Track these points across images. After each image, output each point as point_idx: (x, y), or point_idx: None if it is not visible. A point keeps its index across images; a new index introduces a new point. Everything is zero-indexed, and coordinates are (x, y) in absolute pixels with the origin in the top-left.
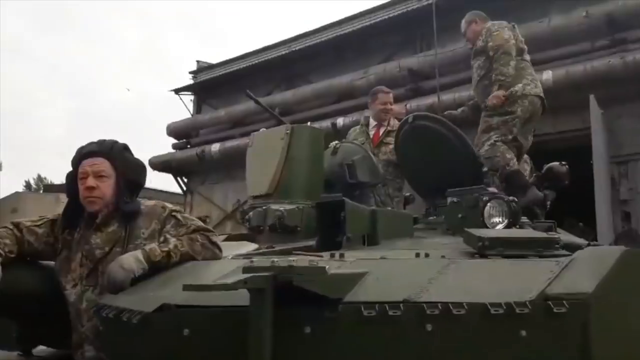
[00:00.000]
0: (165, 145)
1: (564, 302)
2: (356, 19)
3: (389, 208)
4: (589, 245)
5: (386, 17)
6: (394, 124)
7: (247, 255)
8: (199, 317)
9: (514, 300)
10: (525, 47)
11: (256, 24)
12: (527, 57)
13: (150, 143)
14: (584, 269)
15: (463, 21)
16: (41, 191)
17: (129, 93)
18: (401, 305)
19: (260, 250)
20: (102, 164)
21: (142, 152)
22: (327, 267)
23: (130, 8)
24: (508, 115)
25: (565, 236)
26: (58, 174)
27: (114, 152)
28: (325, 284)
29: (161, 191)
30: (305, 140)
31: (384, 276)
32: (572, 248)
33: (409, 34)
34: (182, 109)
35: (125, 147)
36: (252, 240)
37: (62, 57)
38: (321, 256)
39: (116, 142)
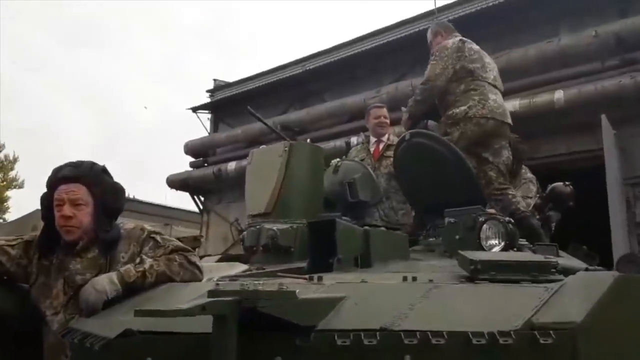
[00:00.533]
0: (183, 163)
1: (551, 332)
2: (368, 38)
3: (397, 219)
4: (586, 270)
5: (398, 36)
6: (394, 139)
7: (233, 277)
8: (162, 344)
9: (498, 330)
10: (479, 65)
11: (273, 43)
12: (489, 74)
13: (168, 160)
14: (574, 295)
15: (429, 31)
16: None
17: (148, 110)
18: (377, 333)
19: (248, 272)
20: (79, 191)
21: (161, 170)
22: (297, 291)
23: (151, 26)
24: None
25: (566, 260)
26: None
27: (91, 177)
28: (295, 310)
29: (178, 209)
30: (304, 158)
31: (363, 301)
32: (570, 273)
33: (420, 53)
34: (200, 127)
35: (104, 170)
36: (247, 262)
37: (84, 74)
38: (305, 278)
39: (94, 164)
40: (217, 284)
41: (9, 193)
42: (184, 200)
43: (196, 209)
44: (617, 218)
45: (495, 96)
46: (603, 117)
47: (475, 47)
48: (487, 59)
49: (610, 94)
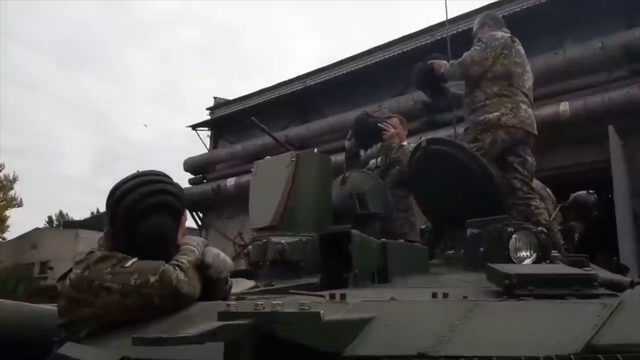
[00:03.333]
0: (182, 180)
1: (618, 355)
2: (370, 54)
3: (396, 229)
4: (632, 283)
5: (399, 51)
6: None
7: (240, 296)
8: None
9: (555, 354)
10: (518, 70)
11: (273, 60)
12: (526, 83)
13: None
14: (638, 313)
15: (476, 22)
16: (61, 227)
17: (148, 128)
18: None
19: (257, 289)
20: None
21: None
22: (321, 312)
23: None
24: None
25: (600, 272)
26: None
27: None
28: (319, 334)
29: None
30: (312, 168)
31: (394, 323)
32: (612, 287)
33: None
34: (199, 144)
35: None
36: (252, 277)
37: (83, 94)
38: (322, 296)
39: None
40: (228, 305)
41: (7, 212)
42: None
43: (195, 225)
44: (624, 229)
45: (526, 106)
46: (610, 127)
47: (522, 50)
48: (529, 66)
49: (617, 105)
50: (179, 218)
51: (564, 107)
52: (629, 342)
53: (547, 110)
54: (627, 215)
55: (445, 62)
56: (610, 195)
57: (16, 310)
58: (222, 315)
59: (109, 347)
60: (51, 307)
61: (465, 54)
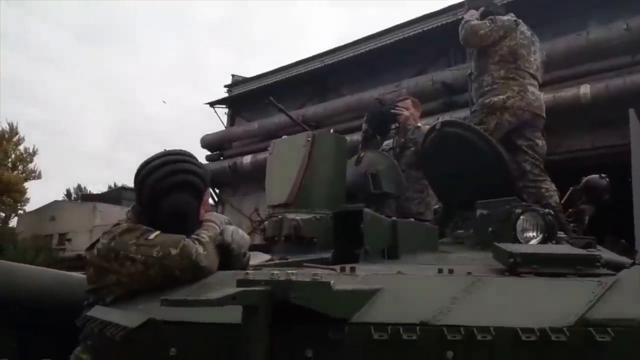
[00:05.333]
0: (199, 157)
1: (609, 329)
2: (389, 33)
3: (413, 209)
4: (634, 264)
5: (419, 30)
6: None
7: (256, 267)
8: (187, 335)
9: (549, 326)
10: (524, 51)
11: (292, 37)
12: (533, 64)
13: None
14: (631, 291)
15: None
16: (79, 200)
17: (166, 105)
18: (418, 328)
19: (272, 262)
20: None
21: None
22: (332, 282)
23: (169, 23)
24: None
25: (606, 254)
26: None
27: None
28: (329, 301)
29: None
30: (327, 148)
31: (400, 294)
32: (614, 267)
33: (442, 48)
34: (217, 121)
35: None
36: (267, 252)
37: (102, 70)
38: (334, 269)
39: None
40: (246, 273)
41: (26, 184)
42: None
43: (211, 201)
44: None
45: (534, 88)
46: (631, 111)
47: (528, 32)
48: (535, 46)
49: (639, 88)
50: (200, 196)
51: (585, 89)
52: (620, 317)
53: (568, 92)
54: None
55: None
56: (629, 180)
57: (50, 277)
58: (240, 282)
59: (135, 310)
60: (80, 275)
61: (475, 22)
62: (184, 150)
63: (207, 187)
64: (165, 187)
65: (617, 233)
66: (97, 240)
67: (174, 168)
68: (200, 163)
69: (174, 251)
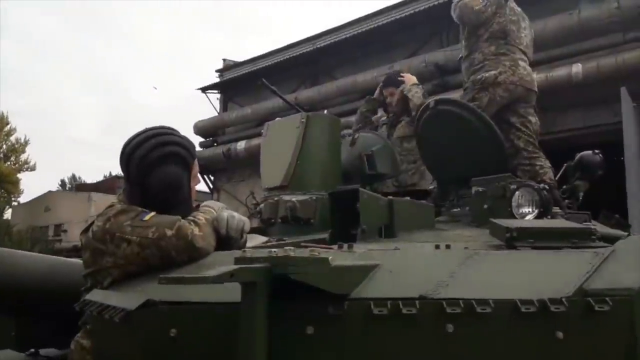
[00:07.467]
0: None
1: (607, 298)
2: (381, 14)
3: (408, 181)
4: (628, 236)
5: (412, 11)
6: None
7: (254, 248)
8: (187, 315)
9: (548, 297)
10: (514, 27)
11: (283, 21)
12: (523, 40)
13: None
14: (628, 260)
15: None
16: (74, 190)
17: (158, 91)
18: (417, 302)
19: (270, 243)
20: None
21: None
22: (330, 258)
23: (159, 7)
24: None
25: (601, 228)
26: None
27: None
28: (327, 277)
29: None
30: (321, 129)
31: (398, 269)
32: (610, 240)
33: (434, 29)
34: (209, 107)
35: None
36: (264, 234)
37: (92, 57)
38: (332, 248)
39: None
40: (244, 251)
41: (20, 175)
42: None
43: (206, 189)
44: (634, 191)
45: (524, 63)
46: (623, 89)
47: (517, 8)
48: (524, 23)
49: (630, 67)
50: (188, 168)
51: (577, 69)
52: (617, 286)
53: (560, 72)
54: (636, 177)
55: None
56: (622, 158)
57: (49, 263)
58: (238, 260)
59: (133, 291)
60: (78, 261)
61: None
62: (166, 125)
63: (195, 159)
64: (153, 160)
65: (608, 207)
66: (92, 223)
67: (158, 140)
68: (184, 135)
69: (169, 232)
